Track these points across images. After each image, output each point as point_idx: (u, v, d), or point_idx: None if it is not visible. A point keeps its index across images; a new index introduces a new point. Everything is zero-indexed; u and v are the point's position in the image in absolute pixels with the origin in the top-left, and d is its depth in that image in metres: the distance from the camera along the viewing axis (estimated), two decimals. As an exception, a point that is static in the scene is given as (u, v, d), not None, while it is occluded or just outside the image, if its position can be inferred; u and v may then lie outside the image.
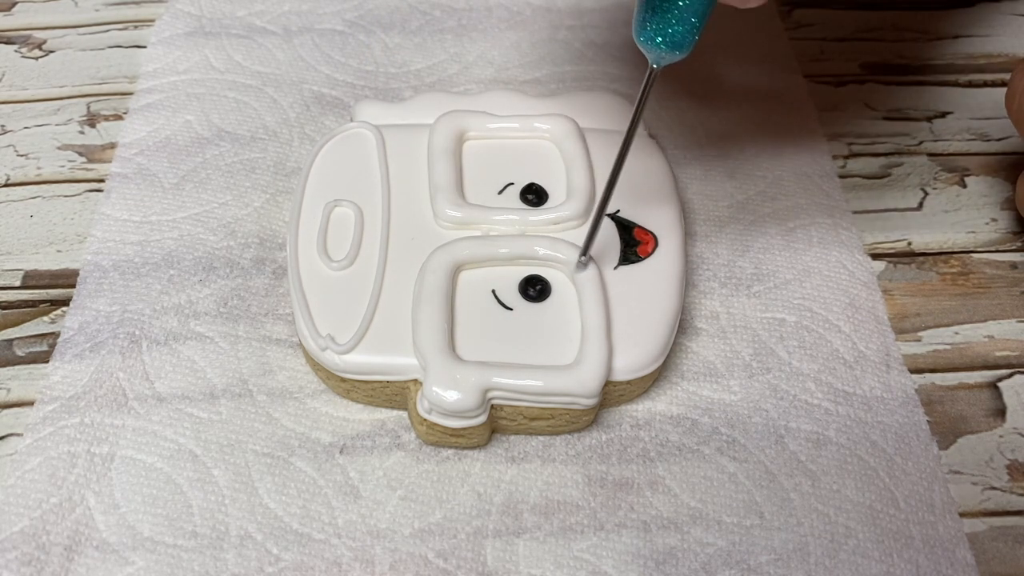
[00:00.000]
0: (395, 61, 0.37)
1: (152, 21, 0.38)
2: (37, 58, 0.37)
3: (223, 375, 0.28)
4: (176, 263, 0.30)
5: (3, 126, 0.35)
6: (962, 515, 0.26)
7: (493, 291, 0.27)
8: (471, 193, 0.29)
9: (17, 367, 0.29)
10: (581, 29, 0.38)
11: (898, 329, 0.30)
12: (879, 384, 0.29)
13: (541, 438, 0.27)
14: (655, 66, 0.23)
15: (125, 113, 0.35)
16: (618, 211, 0.29)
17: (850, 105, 0.36)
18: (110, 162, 0.33)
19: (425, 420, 0.26)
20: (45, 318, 0.30)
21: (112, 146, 0.34)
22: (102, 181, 0.33)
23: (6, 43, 0.37)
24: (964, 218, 0.33)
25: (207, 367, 0.28)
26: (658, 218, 0.29)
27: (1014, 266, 0.32)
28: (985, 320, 0.31)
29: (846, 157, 0.35)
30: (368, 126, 0.31)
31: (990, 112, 0.36)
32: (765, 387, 0.28)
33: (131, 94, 0.35)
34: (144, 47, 0.37)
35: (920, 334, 0.30)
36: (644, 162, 0.30)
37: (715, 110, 0.36)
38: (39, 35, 0.38)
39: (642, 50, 0.23)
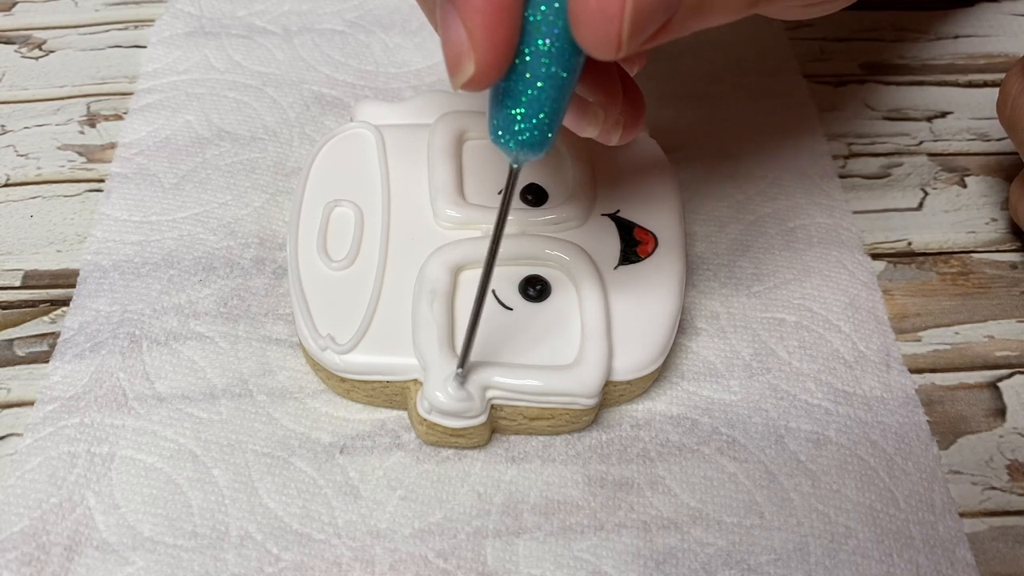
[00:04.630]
0: (395, 61, 0.37)
1: (152, 21, 0.38)
2: (37, 58, 0.37)
3: (223, 375, 0.28)
4: (176, 263, 0.30)
5: (3, 126, 0.35)
6: (962, 515, 0.26)
7: (493, 291, 0.27)
8: (471, 193, 0.29)
9: (17, 367, 0.29)
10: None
11: (898, 329, 0.30)
12: (879, 384, 0.29)
13: (541, 438, 0.27)
14: (514, 165, 0.21)
15: (125, 113, 0.35)
16: (618, 211, 0.29)
17: (850, 105, 0.36)
18: (110, 162, 0.33)
19: (425, 420, 0.26)
20: (45, 318, 0.30)
21: (112, 146, 0.34)
22: (102, 181, 0.33)
23: (6, 43, 0.37)
24: (964, 218, 0.33)
25: (207, 367, 0.28)
26: (658, 218, 0.29)
27: (1014, 266, 0.32)
28: (985, 320, 0.31)
29: (846, 157, 0.35)
30: (368, 126, 0.31)
31: (990, 112, 0.36)
32: (765, 387, 0.28)
33: (131, 94, 0.35)
34: (144, 47, 0.37)
35: (920, 334, 0.30)
36: (644, 162, 0.30)
37: (715, 110, 0.36)
38: (39, 35, 0.38)
39: (498, 149, 0.20)
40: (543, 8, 0.18)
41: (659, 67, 0.37)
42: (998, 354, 0.30)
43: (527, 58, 0.18)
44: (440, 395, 0.25)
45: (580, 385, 0.25)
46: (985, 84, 0.37)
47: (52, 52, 0.37)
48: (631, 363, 0.26)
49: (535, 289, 0.27)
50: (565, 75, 0.19)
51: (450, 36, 0.18)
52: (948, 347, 0.30)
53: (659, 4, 0.17)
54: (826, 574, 0.25)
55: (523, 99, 0.19)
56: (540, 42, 0.18)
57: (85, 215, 0.32)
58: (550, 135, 0.19)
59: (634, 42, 0.17)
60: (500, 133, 0.20)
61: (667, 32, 0.18)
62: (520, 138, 0.19)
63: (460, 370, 0.24)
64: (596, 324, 0.26)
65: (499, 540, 0.25)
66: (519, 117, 0.19)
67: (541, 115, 0.19)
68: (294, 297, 0.27)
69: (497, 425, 0.27)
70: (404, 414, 0.28)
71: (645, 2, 0.17)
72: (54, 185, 0.33)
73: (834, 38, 0.39)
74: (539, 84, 0.19)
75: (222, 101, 0.35)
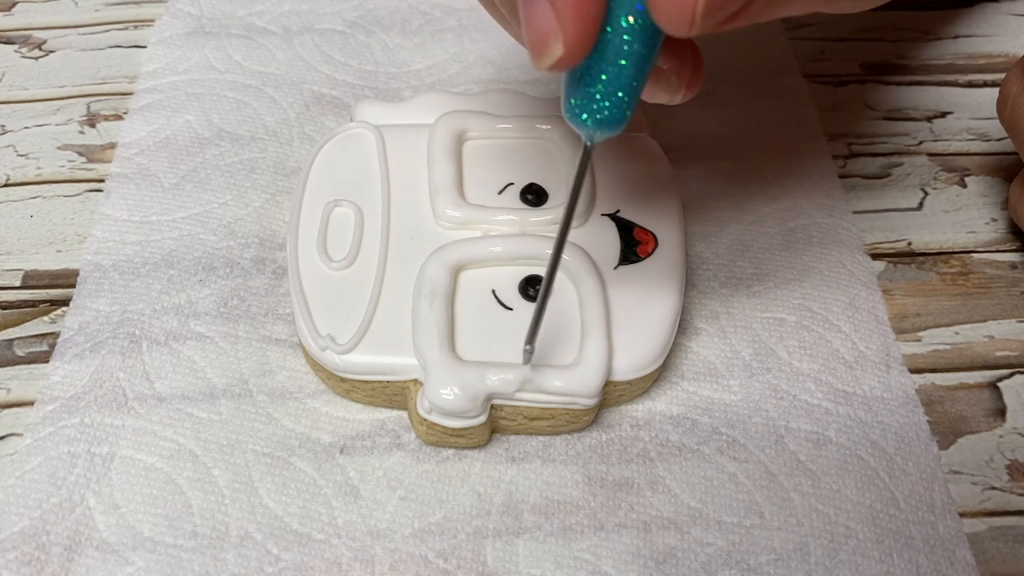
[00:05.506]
0: (395, 61, 0.37)
1: (152, 21, 0.38)
2: (37, 58, 0.37)
3: (223, 375, 0.28)
4: (176, 263, 0.30)
5: (3, 126, 0.35)
6: (962, 515, 0.26)
7: (493, 291, 0.27)
8: (471, 193, 0.29)
9: (17, 367, 0.29)
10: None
11: (898, 329, 0.30)
12: (879, 384, 0.29)
13: (541, 438, 0.27)
14: (588, 143, 0.20)
15: (125, 113, 0.35)
16: (618, 211, 0.29)
17: (850, 105, 0.36)
18: (110, 162, 0.33)
19: (425, 420, 0.26)
20: (45, 318, 0.30)
21: (112, 146, 0.34)
22: (102, 181, 0.33)
23: (6, 43, 0.37)
24: (964, 218, 0.33)
25: (207, 367, 0.28)
26: (658, 218, 0.29)
27: (1014, 266, 0.32)
28: (985, 320, 0.31)
29: (846, 157, 0.35)
30: (368, 126, 0.31)
31: (990, 112, 0.36)
32: (765, 387, 0.28)
33: (131, 94, 0.35)
34: (144, 47, 0.37)
35: (920, 334, 0.30)
36: (644, 162, 0.30)
37: (715, 110, 0.36)
38: (39, 35, 0.38)
39: (571, 127, 0.20)
40: None
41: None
42: (998, 354, 0.30)
43: (608, 35, 0.18)
44: (443, 393, 0.25)
45: (580, 385, 0.25)
46: (985, 84, 0.37)
47: (52, 52, 0.37)
48: (631, 363, 0.26)
49: (535, 289, 0.27)
50: (646, 51, 0.18)
51: (536, 17, 0.18)
52: (948, 347, 0.30)
53: None
54: (826, 574, 0.25)
55: (603, 77, 0.18)
56: (623, 20, 0.18)
57: (85, 215, 0.32)
58: (628, 112, 0.19)
59: (708, 21, 0.17)
60: (578, 111, 0.19)
61: (744, 16, 0.18)
62: (598, 116, 0.19)
63: (528, 347, 0.24)
64: (596, 324, 0.26)
65: (499, 540, 0.25)
66: (598, 96, 0.19)
67: (620, 93, 0.19)
68: (294, 297, 0.27)
69: (497, 425, 0.27)
70: (404, 414, 0.28)
71: None
72: (54, 185, 0.33)
73: (834, 38, 0.39)
74: (621, 62, 0.18)
75: (222, 101, 0.35)
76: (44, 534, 0.25)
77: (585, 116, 0.19)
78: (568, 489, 0.26)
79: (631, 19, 0.18)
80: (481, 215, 0.28)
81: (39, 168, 0.33)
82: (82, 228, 0.32)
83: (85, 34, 0.38)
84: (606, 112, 0.19)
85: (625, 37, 0.18)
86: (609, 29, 0.18)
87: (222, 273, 0.30)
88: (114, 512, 0.25)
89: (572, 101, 0.19)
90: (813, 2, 0.19)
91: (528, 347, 0.24)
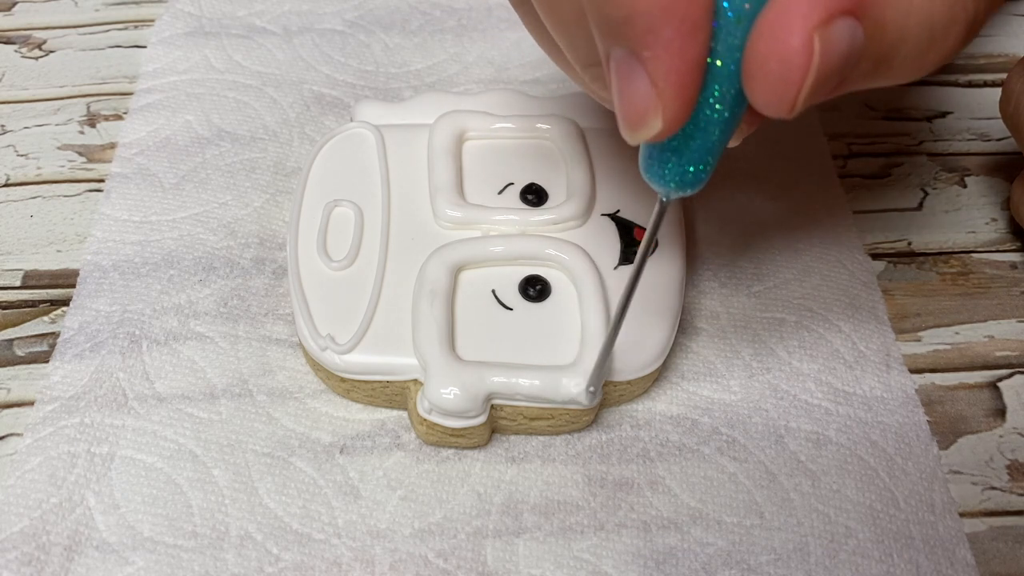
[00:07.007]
0: (395, 61, 0.37)
1: (152, 21, 0.38)
2: (37, 58, 0.37)
3: (223, 375, 0.28)
4: (176, 263, 0.30)
5: (3, 126, 0.35)
6: (962, 515, 0.26)
7: (493, 291, 0.27)
8: (471, 193, 0.29)
9: (17, 367, 0.29)
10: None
11: (898, 329, 0.30)
12: (879, 384, 0.29)
13: (541, 438, 0.27)
14: (665, 199, 0.20)
15: (125, 113, 0.35)
16: (618, 211, 0.29)
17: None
18: (110, 162, 0.33)
19: (425, 420, 0.26)
20: (45, 318, 0.30)
21: (112, 146, 0.34)
22: (102, 181, 0.33)
23: (6, 43, 0.37)
24: (964, 218, 0.33)
25: (207, 367, 0.28)
26: (658, 218, 0.29)
27: (1014, 266, 0.32)
28: (985, 320, 0.31)
29: (846, 157, 0.35)
30: (368, 126, 0.31)
31: (990, 112, 0.36)
32: (765, 387, 0.28)
33: (131, 94, 0.35)
34: (144, 47, 0.37)
35: (920, 334, 0.30)
36: (644, 162, 0.30)
37: (715, 110, 0.35)
38: (39, 35, 0.38)
39: (650, 185, 0.20)
40: (724, 56, 0.17)
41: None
42: (998, 354, 0.30)
43: (700, 104, 0.18)
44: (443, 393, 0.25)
45: (580, 385, 0.25)
46: (985, 84, 0.37)
47: (52, 52, 0.37)
48: (631, 363, 0.26)
49: (535, 289, 0.27)
50: (734, 118, 0.18)
51: (634, 91, 0.17)
52: (948, 347, 0.30)
53: (838, 69, 0.16)
54: (826, 574, 0.25)
55: (691, 143, 0.18)
56: (716, 90, 0.18)
57: (85, 215, 0.32)
58: (711, 172, 0.19)
59: (807, 105, 0.17)
60: (662, 173, 0.19)
61: (835, 91, 0.18)
62: (681, 179, 0.19)
63: (592, 388, 0.24)
64: (596, 324, 0.26)
65: (499, 540, 0.25)
66: (686, 161, 0.19)
67: (708, 156, 0.19)
68: (294, 297, 0.27)
69: (497, 425, 0.27)
70: (404, 414, 0.28)
71: (826, 69, 0.16)
72: (54, 185, 0.33)
73: (834, 38, 0.39)
74: (709, 128, 0.18)
75: (222, 101, 0.35)
76: (44, 534, 0.25)
77: (668, 178, 0.19)
78: (568, 489, 0.26)
79: (723, 88, 0.18)
80: (481, 215, 0.28)
81: (39, 168, 0.33)
82: (82, 228, 0.32)
83: (85, 34, 0.38)
84: (690, 176, 0.19)
85: (717, 107, 0.18)
86: (700, 97, 0.18)
87: (222, 273, 0.30)
88: (114, 512, 0.25)
89: (656, 165, 0.19)
90: (906, 76, 0.19)
91: (591, 388, 0.24)
